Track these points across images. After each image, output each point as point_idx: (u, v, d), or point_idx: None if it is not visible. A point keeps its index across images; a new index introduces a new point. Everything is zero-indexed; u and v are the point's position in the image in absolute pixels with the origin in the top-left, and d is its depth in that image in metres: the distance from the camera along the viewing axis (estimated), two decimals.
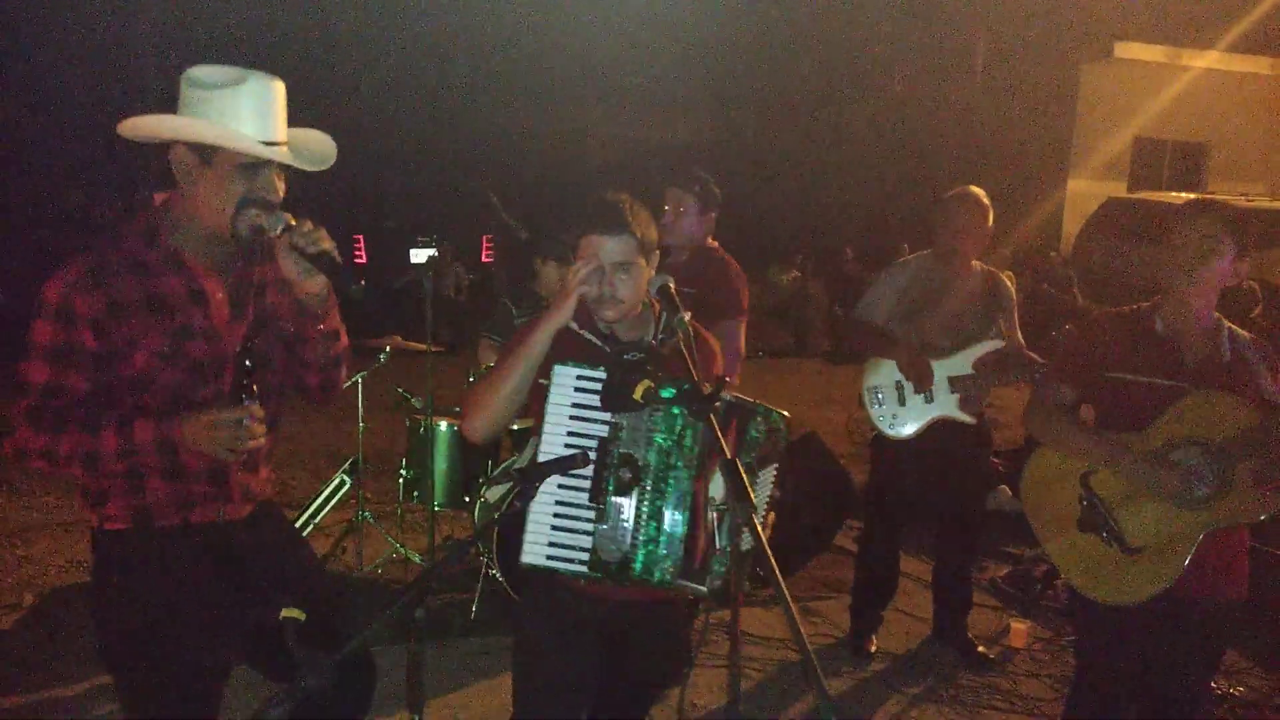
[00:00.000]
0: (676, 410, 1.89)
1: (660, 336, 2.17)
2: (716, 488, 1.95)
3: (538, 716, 2.18)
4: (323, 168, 2.05)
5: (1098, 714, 2.53)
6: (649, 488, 1.89)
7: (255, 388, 2.02)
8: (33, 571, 4.51)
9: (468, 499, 4.39)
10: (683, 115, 25.47)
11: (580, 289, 2.07)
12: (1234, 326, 2.48)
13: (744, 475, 1.63)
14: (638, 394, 1.85)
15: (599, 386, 1.94)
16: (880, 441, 3.87)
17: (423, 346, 4.31)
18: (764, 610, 4.31)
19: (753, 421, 2.01)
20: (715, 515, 1.65)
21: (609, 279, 2.07)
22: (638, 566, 1.89)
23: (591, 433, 1.94)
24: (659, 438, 1.90)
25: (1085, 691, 2.58)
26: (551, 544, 1.93)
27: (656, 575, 1.89)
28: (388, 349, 4.63)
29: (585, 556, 1.91)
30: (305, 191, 2.29)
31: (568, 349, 2.08)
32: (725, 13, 24.20)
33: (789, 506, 4.68)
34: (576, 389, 1.96)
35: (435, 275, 4.66)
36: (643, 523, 1.89)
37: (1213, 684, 3.70)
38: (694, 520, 1.91)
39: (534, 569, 1.95)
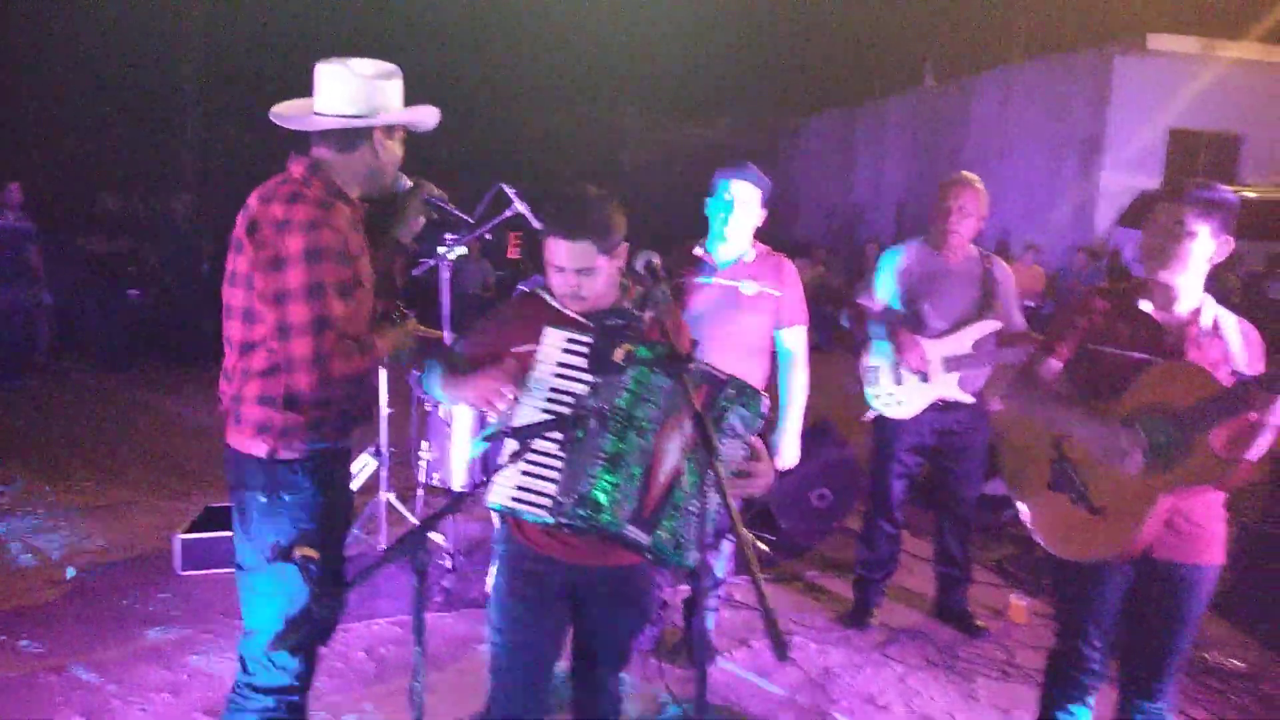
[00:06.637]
0: (648, 373, 2.00)
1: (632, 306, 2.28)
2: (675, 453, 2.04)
3: (509, 680, 2.31)
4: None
5: (1073, 669, 2.64)
6: (612, 436, 1.99)
7: None
8: (74, 550, 4.76)
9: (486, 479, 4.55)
10: (717, 114, 25.57)
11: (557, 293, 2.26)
12: (1222, 309, 2.55)
13: (709, 426, 1.76)
14: (618, 356, 2.01)
15: (586, 350, 2.08)
16: (881, 421, 3.99)
17: (439, 334, 4.49)
18: (773, 586, 4.44)
19: (723, 391, 2.09)
20: (675, 472, 1.71)
21: (570, 280, 2.20)
22: (597, 503, 1.95)
23: (570, 390, 2.07)
24: (627, 394, 2.01)
25: (1062, 649, 2.68)
26: (519, 488, 2.03)
27: (606, 517, 1.96)
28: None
29: (548, 503, 2.00)
30: None
31: (549, 319, 2.21)
32: (760, 12, 24.25)
33: (799, 489, 4.86)
34: (564, 350, 2.10)
35: (456, 267, 4.82)
36: (604, 467, 1.98)
37: (1202, 654, 3.79)
38: (649, 473, 2.01)
39: (499, 510, 2.07)
